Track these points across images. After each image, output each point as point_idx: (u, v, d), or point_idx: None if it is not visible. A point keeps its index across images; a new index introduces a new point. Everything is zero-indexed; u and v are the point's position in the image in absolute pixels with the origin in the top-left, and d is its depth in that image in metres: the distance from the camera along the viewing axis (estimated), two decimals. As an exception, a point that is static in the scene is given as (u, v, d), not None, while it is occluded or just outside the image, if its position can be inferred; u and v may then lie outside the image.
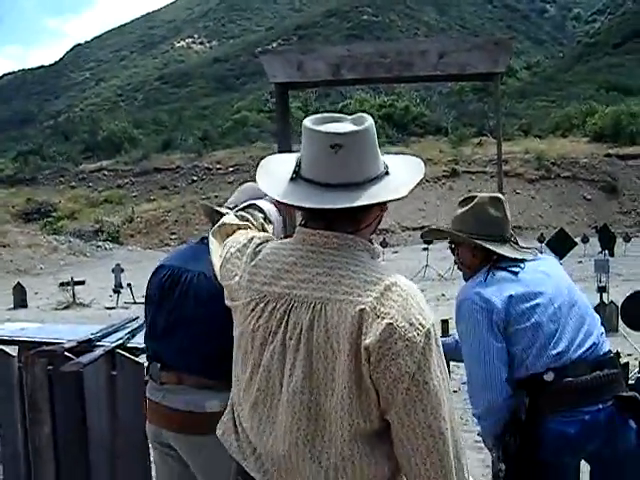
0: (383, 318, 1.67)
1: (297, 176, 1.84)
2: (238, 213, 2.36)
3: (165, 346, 3.11)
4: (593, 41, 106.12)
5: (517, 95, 77.53)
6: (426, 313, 1.74)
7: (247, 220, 2.30)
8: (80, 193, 51.73)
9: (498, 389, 2.84)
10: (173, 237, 43.45)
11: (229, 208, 3.25)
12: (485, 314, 2.86)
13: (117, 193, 51.71)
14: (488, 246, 3.08)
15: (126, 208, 47.57)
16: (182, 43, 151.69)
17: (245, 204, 2.54)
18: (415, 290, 1.78)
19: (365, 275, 1.75)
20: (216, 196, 47.40)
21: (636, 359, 7.66)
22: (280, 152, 3.71)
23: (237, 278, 1.96)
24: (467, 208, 3.21)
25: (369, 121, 1.85)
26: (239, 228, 2.20)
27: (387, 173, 1.87)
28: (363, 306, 1.69)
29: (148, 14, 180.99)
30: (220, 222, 2.29)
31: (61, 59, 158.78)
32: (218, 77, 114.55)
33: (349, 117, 1.90)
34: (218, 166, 52.87)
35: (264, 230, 2.31)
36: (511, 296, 2.88)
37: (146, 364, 3.69)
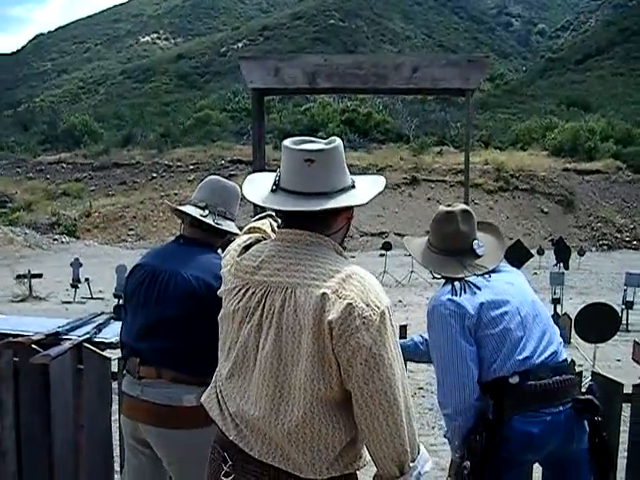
0: (344, 299, 1.94)
1: (277, 187, 2.17)
2: (262, 220, 2.67)
3: (145, 344, 3.16)
4: (556, 57, 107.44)
5: (479, 106, 78.19)
6: (381, 297, 2.02)
7: (263, 224, 2.58)
8: (37, 185, 50.97)
9: (470, 389, 2.98)
10: (131, 233, 43.10)
11: (196, 205, 3.34)
12: (457, 319, 3.00)
13: (75, 186, 51.01)
14: (427, 266, 3.34)
15: (84, 202, 47.04)
16: (147, 38, 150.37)
17: (265, 213, 2.72)
18: (372, 278, 2.09)
19: (330, 265, 2.05)
20: (175, 193, 47.15)
21: (587, 369, 7.84)
22: (254, 152, 3.80)
23: (228, 267, 2.31)
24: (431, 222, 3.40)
25: (338, 142, 2.19)
26: (255, 230, 2.53)
27: (353, 187, 2.21)
28: (327, 290, 1.97)
29: (114, 7, 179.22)
30: (249, 226, 2.62)
31: (23, 48, 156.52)
32: (182, 74, 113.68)
33: (317, 139, 2.22)
34: (178, 163, 52.51)
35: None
36: (482, 303, 3.04)
37: (113, 358, 3.74)
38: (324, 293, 1.96)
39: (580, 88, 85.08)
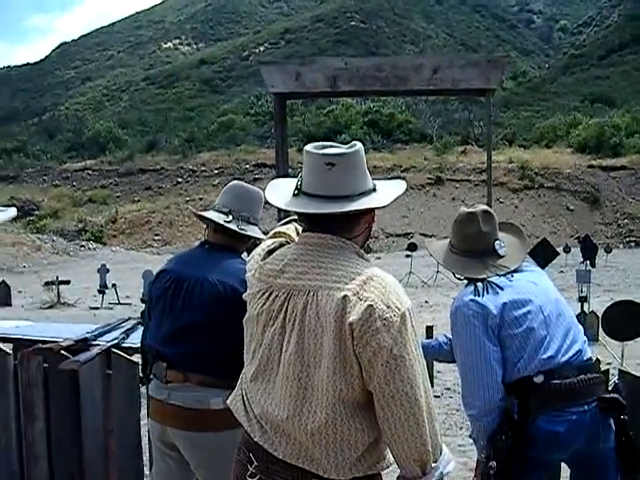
0: (365, 301, 1.98)
1: (299, 192, 2.21)
2: (287, 225, 2.72)
3: (172, 348, 3.20)
4: (579, 53, 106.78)
5: (502, 104, 77.87)
6: (402, 298, 2.06)
7: (288, 229, 2.63)
8: (64, 192, 51.45)
9: (494, 389, 2.98)
10: (156, 238, 43.37)
11: (220, 211, 3.36)
12: (480, 319, 3.00)
13: (101, 193, 51.50)
14: (449, 268, 3.36)
15: (110, 208, 47.43)
16: (169, 44, 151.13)
17: (289, 218, 2.78)
18: (393, 280, 2.13)
19: (351, 268, 2.09)
20: (200, 198, 47.38)
21: (615, 367, 7.78)
22: (277, 156, 3.83)
23: (252, 271, 2.37)
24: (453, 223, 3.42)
25: (358, 145, 2.22)
26: (280, 235, 2.57)
27: (374, 190, 2.24)
28: (347, 292, 2.01)
29: (136, 14, 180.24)
30: (274, 230, 2.66)
31: (47, 57, 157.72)
32: (204, 79, 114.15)
33: (344, 145, 2.24)
34: (203, 168, 52.79)
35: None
36: (505, 303, 3.04)
37: (140, 363, 3.77)
38: (345, 295, 1.99)
39: (604, 84, 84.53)
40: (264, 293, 2.22)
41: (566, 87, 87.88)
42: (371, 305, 1.97)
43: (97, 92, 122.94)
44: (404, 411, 1.98)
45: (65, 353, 4.09)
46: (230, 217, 3.35)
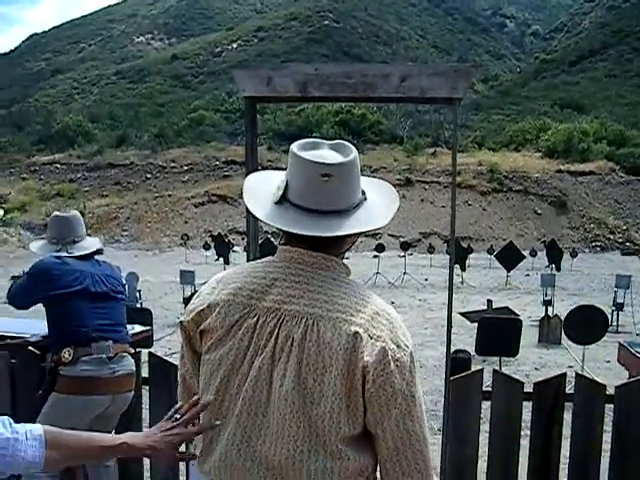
0: (377, 340, 1.83)
1: (284, 199, 1.94)
2: None
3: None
4: (550, 58, 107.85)
5: (473, 107, 78.54)
6: (407, 335, 1.93)
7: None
8: (31, 185, 51.08)
9: None
10: (124, 234, 43.19)
11: (51, 243, 4.18)
12: None
13: (69, 187, 51.15)
14: None
15: (78, 203, 47.06)
16: (141, 39, 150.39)
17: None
18: (397, 315, 1.97)
19: (355, 297, 1.91)
20: (169, 194, 47.25)
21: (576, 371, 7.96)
22: (247, 158, 3.89)
23: (212, 297, 2.01)
24: None
25: (354, 152, 1.96)
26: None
27: (365, 198, 2.02)
28: (358, 328, 1.83)
29: (108, 7, 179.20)
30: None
31: (17, 48, 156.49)
32: (176, 75, 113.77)
33: (328, 142, 2.00)
34: (172, 164, 52.67)
35: None
36: None
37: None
38: (357, 332, 1.83)
39: (574, 89, 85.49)
40: (245, 318, 1.93)
41: (537, 92, 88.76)
42: (384, 346, 1.83)
43: (67, 85, 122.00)
44: (412, 451, 1.90)
45: (32, 349, 4.13)
46: (59, 246, 4.09)
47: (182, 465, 4.45)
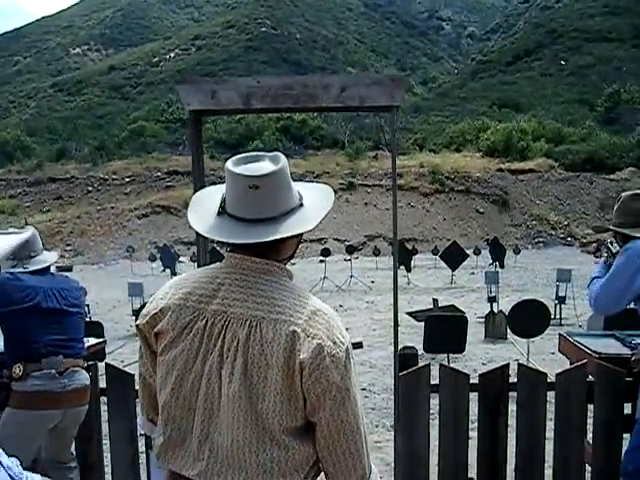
0: (313, 338, 1.98)
1: (223, 211, 2.12)
2: None
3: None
4: (487, 59, 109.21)
5: (412, 110, 79.20)
6: (344, 333, 2.08)
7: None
8: (-30, 202, 50.15)
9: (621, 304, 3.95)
10: (68, 249, 42.58)
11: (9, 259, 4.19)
12: None
13: (9, 203, 50.15)
14: (623, 231, 4.07)
15: (19, 219, 46.26)
16: (78, 50, 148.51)
17: None
18: (334, 313, 2.12)
19: (294, 299, 2.06)
20: (112, 207, 46.78)
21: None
22: (193, 171, 3.99)
23: (164, 302, 2.14)
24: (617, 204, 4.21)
25: (282, 161, 2.10)
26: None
27: (301, 205, 2.17)
28: (295, 327, 1.98)
29: (43, 18, 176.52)
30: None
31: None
32: (114, 86, 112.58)
33: (261, 154, 2.14)
34: (114, 176, 52.07)
35: None
36: None
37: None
38: (294, 331, 1.98)
39: (511, 89, 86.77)
40: (195, 321, 2.07)
41: (475, 92, 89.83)
42: (320, 343, 1.98)
43: (4, 99, 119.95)
44: (346, 439, 2.05)
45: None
46: (15, 262, 4.14)
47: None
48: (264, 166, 2.08)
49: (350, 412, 2.04)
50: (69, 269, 20.40)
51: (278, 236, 2.06)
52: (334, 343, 2.00)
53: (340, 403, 2.02)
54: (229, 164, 2.09)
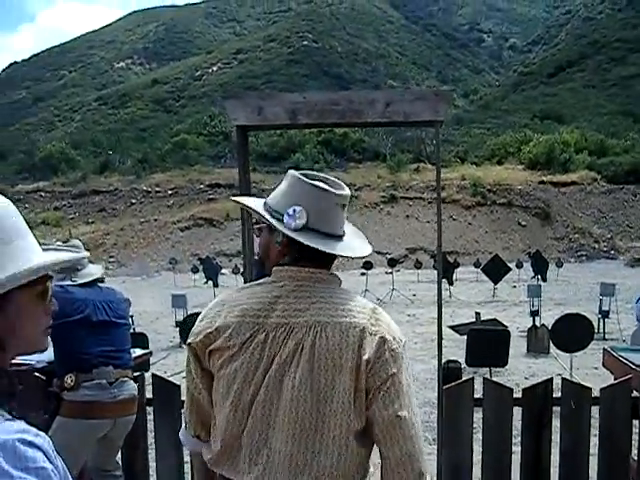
0: (376, 335, 2.06)
1: (305, 227, 2.15)
2: None
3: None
4: (528, 70, 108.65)
5: (454, 122, 78.87)
6: (399, 331, 2.17)
7: None
8: (16, 214, 50.78)
9: None
10: (111, 260, 43.09)
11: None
12: None
13: (54, 215, 50.88)
14: None
15: (64, 230, 46.94)
16: (121, 64, 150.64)
17: None
18: (387, 314, 2.21)
19: (352, 301, 2.16)
20: (155, 219, 47.23)
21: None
22: (240, 184, 4.05)
23: (220, 321, 2.17)
24: None
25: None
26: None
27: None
28: (361, 327, 2.05)
29: (87, 34, 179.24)
30: None
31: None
32: (157, 99, 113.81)
33: (321, 175, 2.25)
34: (157, 189, 52.63)
35: None
36: None
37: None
38: (362, 329, 2.05)
39: (553, 101, 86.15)
40: (255, 335, 2.12)
41: (516, 104, 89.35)
42: (382, 337, 2.06)
43: (49, 113, 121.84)
44: (402, 433, 2.06)
45: (38, 374, 4.27)
46: (63, 275, 4.19)
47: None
48: (343, 188, 2.23)
49: (405, 408, 2.07)
50: (101, 280, 20.55)
51: (365, 253, 2.27)
52: (394, 339, 2.08)
53: (394, 395, 2.05)
54: (315, 182, 2.18)
